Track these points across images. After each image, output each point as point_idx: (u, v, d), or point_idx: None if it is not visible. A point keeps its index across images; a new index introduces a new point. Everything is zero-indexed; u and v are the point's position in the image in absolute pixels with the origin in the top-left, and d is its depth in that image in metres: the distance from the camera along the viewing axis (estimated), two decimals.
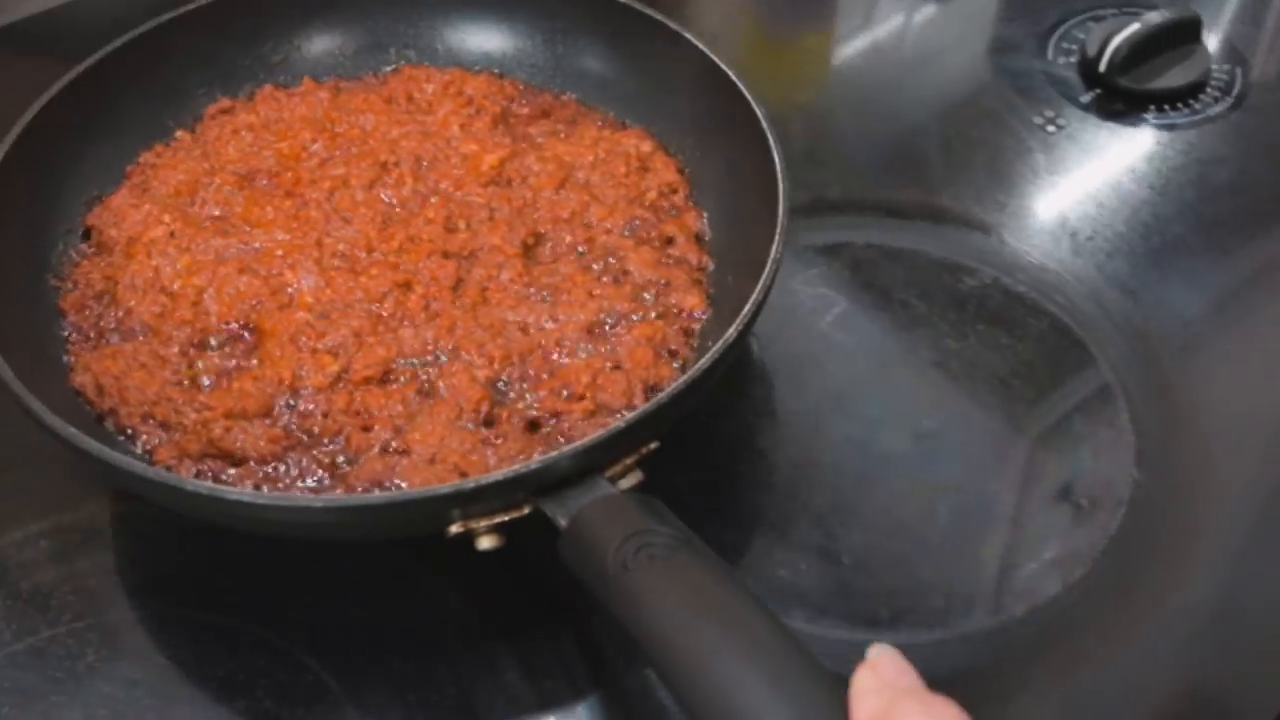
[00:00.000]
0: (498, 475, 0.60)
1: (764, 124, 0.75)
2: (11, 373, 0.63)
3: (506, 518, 0.61)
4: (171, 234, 0.76)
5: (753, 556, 0.71)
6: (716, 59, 0.79)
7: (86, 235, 0.78)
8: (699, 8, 1.12)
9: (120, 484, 0.63)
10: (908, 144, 0.99)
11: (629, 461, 0.63)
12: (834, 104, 1.05)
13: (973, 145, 0.98)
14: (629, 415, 0.62)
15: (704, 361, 0.64)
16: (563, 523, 0.59)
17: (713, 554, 0.55)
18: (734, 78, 0.78)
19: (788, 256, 0.73)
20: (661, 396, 0.63)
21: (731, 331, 0.65)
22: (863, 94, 1.05)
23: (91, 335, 0.73)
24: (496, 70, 0.89)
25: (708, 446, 0.76)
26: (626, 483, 0.63)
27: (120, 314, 0.73)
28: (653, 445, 0.64)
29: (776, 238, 0.69)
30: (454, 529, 0.61)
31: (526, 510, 0.61)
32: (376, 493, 0.65)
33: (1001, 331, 0.83)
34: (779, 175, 0.72)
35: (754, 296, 0.67)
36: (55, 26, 1.05)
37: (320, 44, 0.90)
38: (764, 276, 0.68)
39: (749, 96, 0.77)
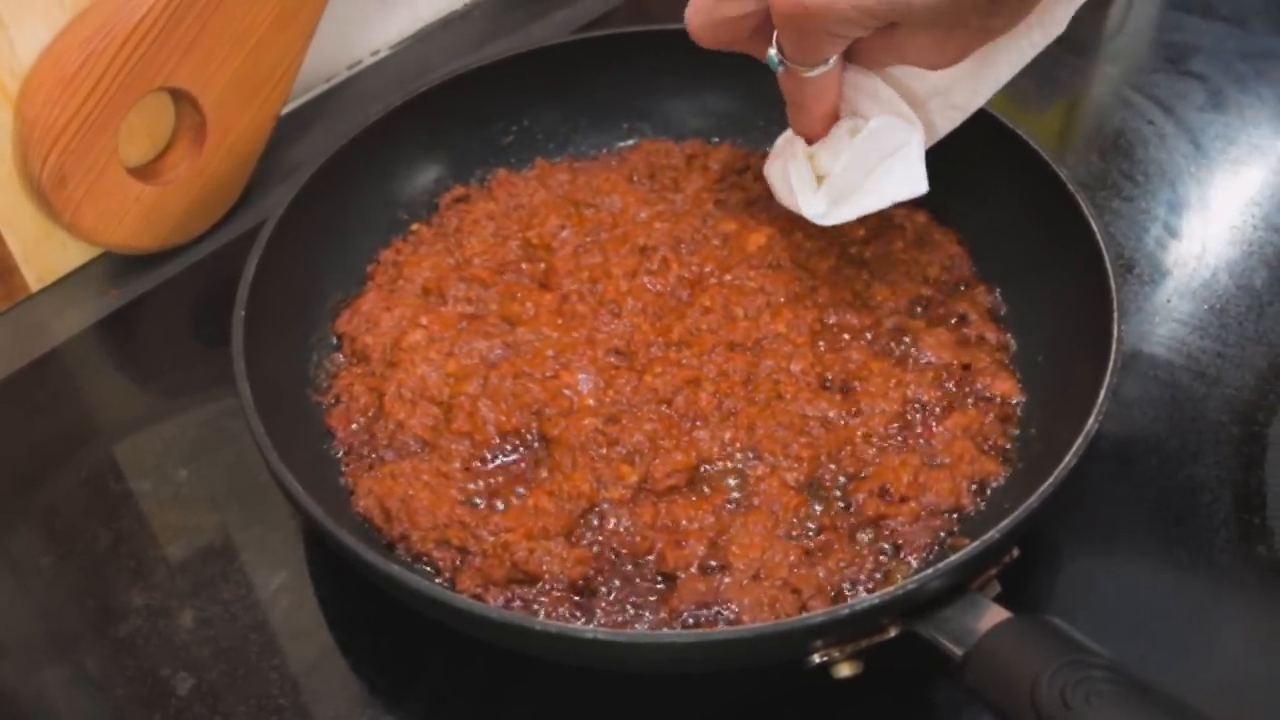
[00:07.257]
0: (872, 600, 0.54)
1: (1069, 185, 0.70)
2: (322, 510, 0.57)
3: (868, 643, 0.56)
4: (431, 338, 0.71)
5: None
6: (998, 114, 0.73)
7: (337, 343, 0.73)
8: None
9: (450, 622, 0.57)
10: None
11: (992, 572, 0.58)
12: None
13: None
14: (1002, 524, 0.56)
15: (1069, 458, 0.58)
16: (957, 651, 0.53)
17: (1165, 692, 0.49)
18: (1023, 136, 0.73)
19: None
20: (1032, 500, 0.57)
21: (1092, 423, 0.59)
22: None
23: (365, 454, 0.67)
24: (740, 140, 0.84)
25: None
26: (990, 594, 0.57)
27: (391, 428, 0.67)
28: (1015, 553, 0.58)
29: (1115, 314, 0.64)
30: (815, 658, 0.56)
31: (892, 634, 0.56)
32: (704, 615, 0.60)
33: None
34: (1100, 241, 0.67)
35: (1106, 380, 0.61)
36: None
37: (549, 121, 0.84)
38: (1111, 357, 0.62)
39: (1044, 154, 0.71)
